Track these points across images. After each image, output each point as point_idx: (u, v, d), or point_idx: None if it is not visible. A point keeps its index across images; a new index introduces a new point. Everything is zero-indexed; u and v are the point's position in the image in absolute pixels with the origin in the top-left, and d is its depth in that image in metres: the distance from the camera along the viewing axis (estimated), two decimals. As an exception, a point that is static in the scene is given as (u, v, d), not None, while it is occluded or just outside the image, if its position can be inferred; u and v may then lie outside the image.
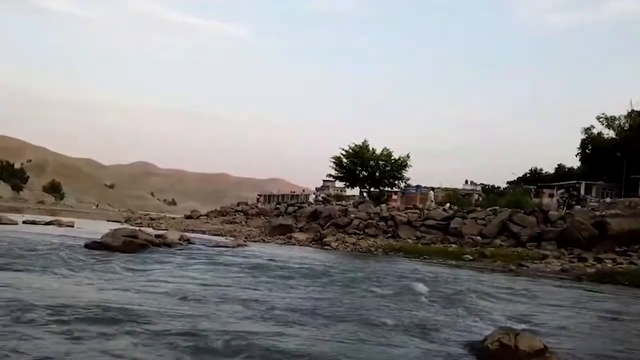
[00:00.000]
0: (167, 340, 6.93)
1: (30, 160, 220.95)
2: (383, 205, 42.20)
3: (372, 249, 29.60)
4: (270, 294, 11.56)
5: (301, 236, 34.77)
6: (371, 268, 20.09)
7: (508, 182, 65.45)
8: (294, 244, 32.31)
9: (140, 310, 8.65)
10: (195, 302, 9.99)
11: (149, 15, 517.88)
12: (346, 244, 31.06)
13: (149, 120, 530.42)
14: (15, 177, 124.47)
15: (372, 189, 59.18)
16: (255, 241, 32.99)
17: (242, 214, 55.26)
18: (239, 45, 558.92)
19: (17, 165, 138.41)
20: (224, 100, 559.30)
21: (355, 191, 63.51)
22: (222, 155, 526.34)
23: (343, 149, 58.47)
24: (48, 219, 38.86)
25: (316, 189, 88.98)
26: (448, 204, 41.89)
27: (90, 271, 13.36)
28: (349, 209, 40.74)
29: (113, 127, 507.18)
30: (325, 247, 30.46)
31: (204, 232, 38.37)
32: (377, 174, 57.73)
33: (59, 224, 34.81)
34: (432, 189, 56.68)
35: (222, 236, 35.44)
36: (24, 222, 33.31)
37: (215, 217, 56.65)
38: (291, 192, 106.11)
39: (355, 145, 58.17)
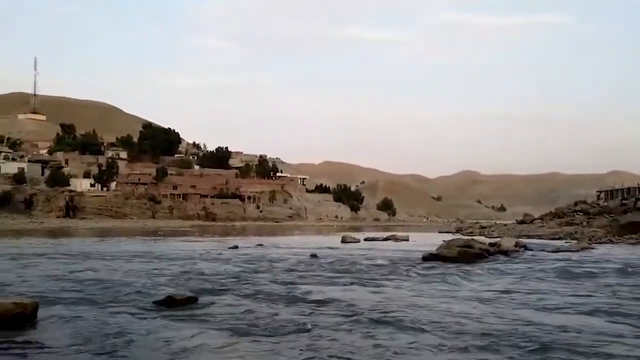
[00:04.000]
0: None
1: (363, 182, 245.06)
2: None
3: None
4: None
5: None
6: None
7: None
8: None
9: (495, 324, 8.53)
10: (560, 315, 9.42)
11: (454, 26, 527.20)
12: None
13: (467, 129, 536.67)
14: (352, 198, 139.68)
15: None
16: (600, 242, 30.09)
17: (581, 213, 51.17)
18: (556, 37, 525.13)
19: (352, 188, 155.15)
20: (546, 99, 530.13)
21: None
22: (549, 154, 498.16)
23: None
24: (385, 234, 42.19)
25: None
26: None
27: (431, 283, 13.87)
28: None
29: (434, 141, 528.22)
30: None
31: (540, 237, 36.64)
32: None
33: (395, 239, 37.40)
34: None
35: (561, 239, 33.26)
36: (365, 240, 36.79)
37: (551, 219, 53.68)
38: (638, 184, 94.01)
39: None
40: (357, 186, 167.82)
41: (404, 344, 7.30)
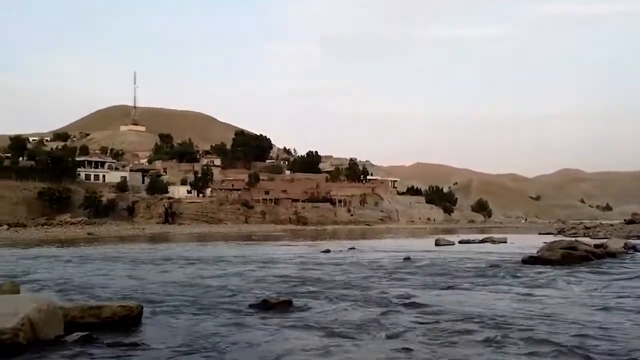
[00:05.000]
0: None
1: (456, 183, 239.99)
2: None
3: None
4: None
5: None
6: None
7: None
8: None
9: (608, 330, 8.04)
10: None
11: (550, 18, 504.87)
12: None
13: (567, 125, 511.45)
14: (445, 200, 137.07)
15: None
16: None
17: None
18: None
19: (445, 189, 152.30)
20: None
21: None
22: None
23: None
24: (481, 237, 41.02)
25: None
26: None
27: (536, 287, 13.27)
28: None
29: (531, 139, 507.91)
30: None
31: (653, 238, 34.23)
32: None
33: (492, 241, 36.28)
34: None
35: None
36: (459, 242, 35.93)
37: (664, 219, 50.04)
38: None
39: None
40: (449, 187, 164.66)
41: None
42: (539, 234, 55.22)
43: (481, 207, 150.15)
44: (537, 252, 19.69)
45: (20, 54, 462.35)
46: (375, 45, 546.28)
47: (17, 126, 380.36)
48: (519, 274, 15.87)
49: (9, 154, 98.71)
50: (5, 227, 67.59)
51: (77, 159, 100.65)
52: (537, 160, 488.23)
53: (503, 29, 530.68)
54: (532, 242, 32.10)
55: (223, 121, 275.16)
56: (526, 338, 7.67)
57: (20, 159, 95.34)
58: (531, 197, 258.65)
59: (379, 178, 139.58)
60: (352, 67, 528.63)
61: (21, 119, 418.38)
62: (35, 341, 7.12)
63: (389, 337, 7.90)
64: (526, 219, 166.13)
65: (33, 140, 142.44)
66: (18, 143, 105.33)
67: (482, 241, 36.63)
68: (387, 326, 8.56)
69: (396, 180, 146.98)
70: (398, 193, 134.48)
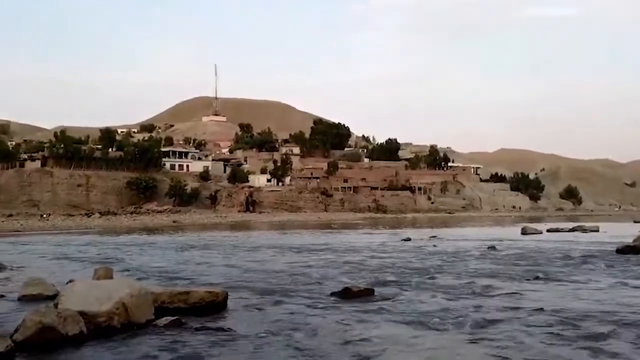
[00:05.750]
0: None
1: (543, 169, 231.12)
2: None
3: None
4: None
5: None
6: None
7: None
8: None
9: None
10: None
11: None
12: None
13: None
14: (531, 187, 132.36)
15: None
16: None
17: None
18: None
19: (531, 176, 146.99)
20: None
21: None
22: None
23: None
24: (570, 225, 39.40)
25: None
26: None
27: (631, 278, 12.60)
28: None
29: (625, 122, 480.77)
30: None
31: None
32: None
33: (583, 230, 34.78)
34: None
35: None
36: (547, 231, 34.65)
37: None
38: None
39: None
40: (536, 174, 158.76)
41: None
42: (634, 222, 52.43)
43: (570, 194, 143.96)
44: (633, 241, 18.70)
45: (108, 49, 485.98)
46: (456, 29, 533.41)
47: (106, 119, 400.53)
48: (613, 264, 15.14)
49: (100, 146, 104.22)
50: (97, 215, 71.62)
51: (162, 149, 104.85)
52: (632, 144, 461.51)
53: (599, 5, 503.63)
54: (627, 231, 30.52)
55: (302, 110, 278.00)
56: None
57: (110, 150, 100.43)
58: (626, 184, 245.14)
59: (461, 165, 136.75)
60: (432, 52, 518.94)
61: (110, 112, 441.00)
62: (128, 325, 7.49)
63: (473, 329, 7.73)
64: (620, 207, 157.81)
65: (121, 132, 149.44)
66: (108, 135, 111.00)
67: (572, 230, 35.17)
68: (472, 318, 8.37)
69: (479, 167, 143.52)
70: (481, 180, 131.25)
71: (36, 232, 46.30)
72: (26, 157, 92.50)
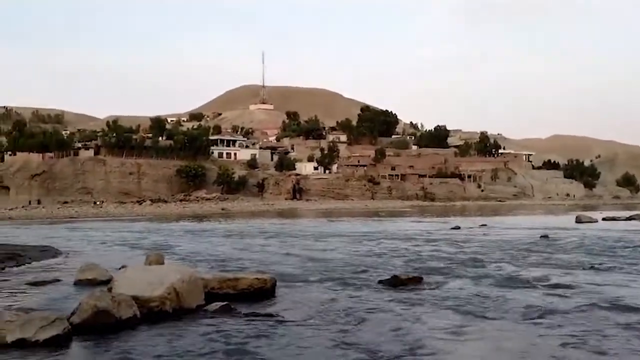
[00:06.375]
0: None
1: (599, 156, 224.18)
2: None
3: None
4: None
5: None
6: None
7: None
8: None
9: None
10: None
11: None
12: None
13: None
14: (586, 174, 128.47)
15: None
16: None
17: None
18: None
19: (586, 163, 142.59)
20: None
21: None
22: None
23: None
24: (628, 213, 38.10)
25: None
26: None
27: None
28: None
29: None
30: None
31: None
32: None
33: (645, 219, 33.56)
34: None
35: None
36: (603, 219, 33.60)
37: None
38: None
39: None
40: (591, 161, 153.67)
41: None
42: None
43: (628, 182, 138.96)
44: (697, 231, 17.96)
45: (157, 40, 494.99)
46: (507, 10, 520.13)
47: (156, 108, 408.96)
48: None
49: (150, 135, 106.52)
50: (148, 202, 73.43)
51: (211, 137, 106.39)
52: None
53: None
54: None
55: (349, 97, 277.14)
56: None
57: (160, 138, 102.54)
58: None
59: (512, 152, 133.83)
60: (481, 36, 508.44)
61: (160, 101, 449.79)
62: (180, 309, 7.66)
63: (525, 319, 7.58)
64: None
65: (171, 120, 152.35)
66: (158, 124, 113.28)
67: (630, 218, 33.96)
68: (525, 308, 8.20)
69: (531, 154, 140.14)
70: (533, 167, 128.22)
71: (90, 219, 47.85)
72: (80, 146, 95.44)
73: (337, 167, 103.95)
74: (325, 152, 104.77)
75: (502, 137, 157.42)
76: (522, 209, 65.86)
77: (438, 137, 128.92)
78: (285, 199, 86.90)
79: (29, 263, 14.15)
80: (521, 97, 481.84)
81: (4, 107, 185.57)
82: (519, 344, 6.42)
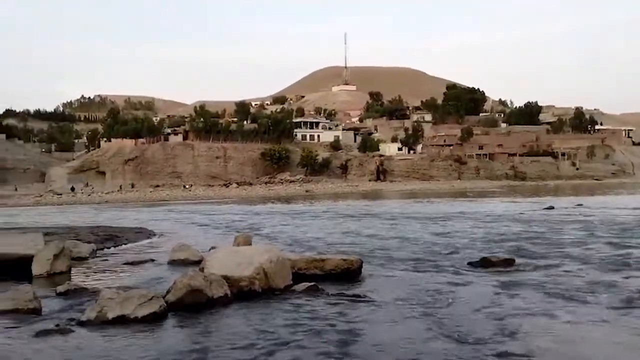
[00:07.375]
0: None
1: None
2: None
3: None
4: None
5: None
6: None
7: None
8: None
9: None
10: None
11: None
12: None
13: None
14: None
15: None
16: None
17: None
18: None
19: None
20: None
21: None
22: None
23: None
24: None
25: None
26: None
27: None
28: None
29: None
30: None
31: None
32: None
33: None
34: None
35: None
36: None
37: None
38: None
39: None
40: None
41: None
42: None
43: None
44: None
45: (239, 27, 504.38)
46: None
47: (241, 92, 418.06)
48: None
49: (235, 119, 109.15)
50: (235, 185, 75.51)
51: (294, 120, 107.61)
52: None
53: None
54: None
55: (433, 75, 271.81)
56: None
57: (245, 122, 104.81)
58: None
59: (610, 128, 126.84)
60: (571, 10, 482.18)
61: (244, 85, 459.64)
62: (268, 289, 7.85)
63: (623, 303, 7.20)
64: None
65: (255, 104, 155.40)
66: (242, 108, 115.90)
67: None
68: (622, 292, 7.80)
69: (631, 130, 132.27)
70: (634, 143, 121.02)
71: (180, 202, 49.83)
72: (169, 131, 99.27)
73: (422, 148, 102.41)
74: (410, 132, 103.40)
75: (600, 113, 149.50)
76: (621, 188, 62.40)
77: (529, 114, 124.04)
78: (369, 180, 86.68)
79: (125, 244, 14.93)
80: (618, 69, 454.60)
81: (99, 95, 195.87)
82: (625, 333, 6.12)
